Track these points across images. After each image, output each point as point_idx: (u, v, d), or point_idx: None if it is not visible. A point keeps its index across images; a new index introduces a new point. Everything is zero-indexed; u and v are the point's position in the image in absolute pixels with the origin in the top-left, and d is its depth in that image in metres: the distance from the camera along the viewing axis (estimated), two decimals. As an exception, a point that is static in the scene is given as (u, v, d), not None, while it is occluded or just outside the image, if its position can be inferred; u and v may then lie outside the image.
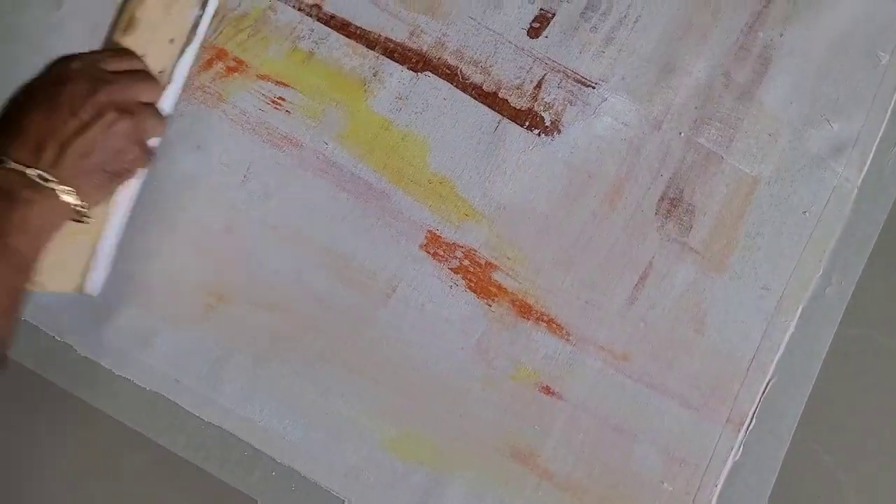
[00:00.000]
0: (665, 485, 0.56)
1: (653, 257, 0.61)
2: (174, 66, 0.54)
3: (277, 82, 0.63)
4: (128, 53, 0.51)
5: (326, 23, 0.65)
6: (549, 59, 0.65)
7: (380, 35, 0.65)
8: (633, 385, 0.58)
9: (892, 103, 0.64)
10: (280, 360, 0.57)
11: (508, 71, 0.65)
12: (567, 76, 0.65)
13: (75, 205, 0.47)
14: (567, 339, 0.58)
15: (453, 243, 0.60)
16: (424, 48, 0.65)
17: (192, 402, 0.56)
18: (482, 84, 0.64)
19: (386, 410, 0.57)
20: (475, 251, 0.60)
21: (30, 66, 0.63)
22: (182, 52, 0.54)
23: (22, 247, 0.44)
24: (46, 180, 0.45)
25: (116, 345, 0.57)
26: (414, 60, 0.65)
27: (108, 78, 0.48)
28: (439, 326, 0.58)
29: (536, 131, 0.63)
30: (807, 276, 0.60)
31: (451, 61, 0.65)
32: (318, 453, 0.56)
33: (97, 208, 0.52)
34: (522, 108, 0.64)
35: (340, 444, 0.56)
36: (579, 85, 0.64)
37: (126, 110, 0.48)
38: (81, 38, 0.63)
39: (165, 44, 0.53)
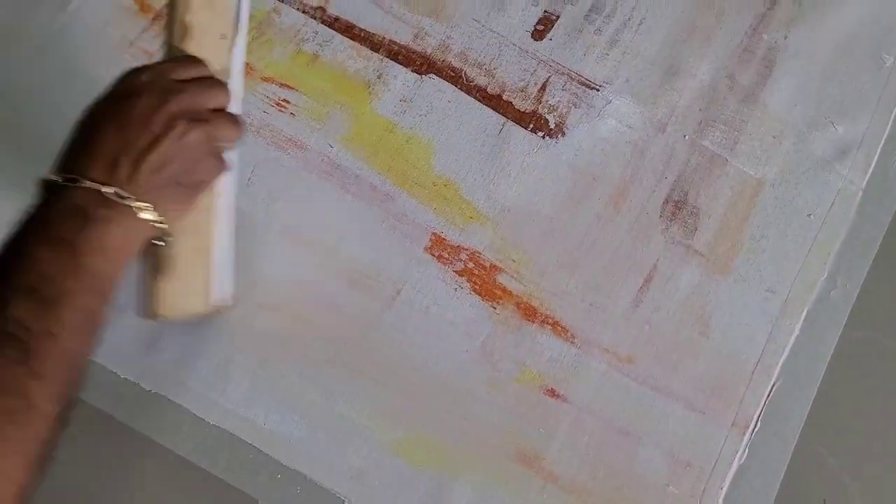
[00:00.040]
0: (670, 488, 0.56)
1: (657, 260, 0.60)
2: (231, 61, 0.53)
3: (282, 84, 0.63)
4: (194, 60, 0.50)
5: (331, 25, 0.65)
6: (553, 61, 0.65)
7: (384, 37, 0.65)
8: (638, 388, 0.58)
9: (897, 106, 0.64)
10: (285, 363, 0.57)
11: (513, 73, 0.65)
12: (571, 78, 0.65)
13: (153, 221, 0.45)
14: (572, 342, 0.58)
15: (458, 246, 0.60)
16: (429, 50, 0.65)
17: (197, 405, 0.56)
18: (486, 86, 0.64)
19: (390, 413, 0.57)
20: (480, 254, 0.60)
21: (36, 68, 0.63)
22: (234, 44, 0.53)
23: (100, 267, 0.42)
24: (123, 197, 0.43)
25: (121, 347, 0.57)
26: (418, 63, 0.65)
27: (176, 87, 0.47)
28: (444, 329, 0.58)
29: (541, 134, 0.63)
30: (811, 279, 0.60)
31: (456, 64, 0.65)
32: (322, 455, 0.56)
33: (200, 223, 0.51)
34: (527, 111, 0.64)
35: (345, 447, 0.56)
36: (583, 87, 0.64)
37: (198, 119, 0.47)
38: (88, 38, 0.64)
39: (218, 41, 0.52)
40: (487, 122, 0.63)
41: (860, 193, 0.62)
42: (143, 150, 0.45)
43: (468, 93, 0.64)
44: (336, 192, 0.61)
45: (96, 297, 0.43)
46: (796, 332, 0.59)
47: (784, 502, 0.56)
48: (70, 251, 0.42)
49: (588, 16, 0.66)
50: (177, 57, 0.50)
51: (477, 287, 0.59)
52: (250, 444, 0.56)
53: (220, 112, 0.49)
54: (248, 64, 0.62)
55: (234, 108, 0.53)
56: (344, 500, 0.55)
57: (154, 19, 0.65)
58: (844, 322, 0.59)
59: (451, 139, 0.63)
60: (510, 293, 0.59)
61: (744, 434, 0.57)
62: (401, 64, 0.65)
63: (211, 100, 0.49)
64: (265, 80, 0.63)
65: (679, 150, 0.63)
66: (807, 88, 0.64)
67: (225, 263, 0.54)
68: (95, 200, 0.43)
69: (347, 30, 0.65)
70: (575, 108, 0.64)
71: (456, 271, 0.60)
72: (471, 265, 0.60)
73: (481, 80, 0.64)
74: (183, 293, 0.52)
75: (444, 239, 0.60)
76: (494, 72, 0.65)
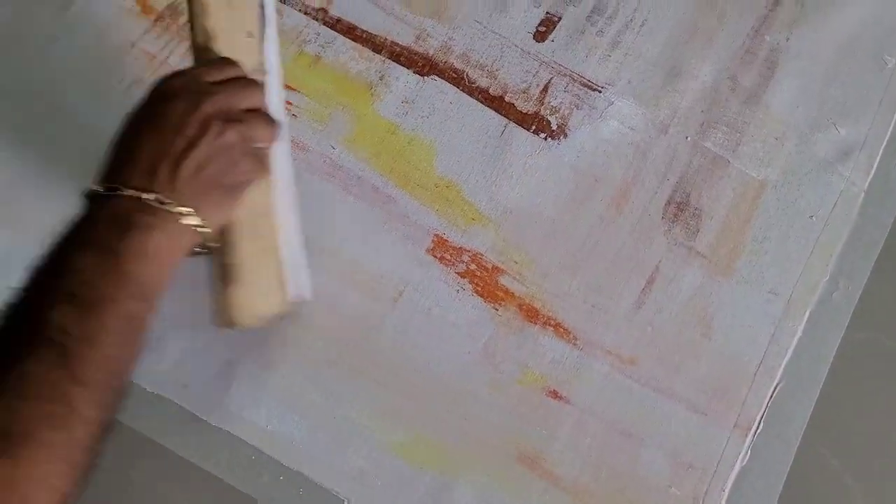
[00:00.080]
0: (672, 489, 0.56)
1: (660, 261, 0.60)
2: (264, 57, 0.52)
3: (284, 86, 0.63)
4: (226, 62, 0.50)
5: (332, 27, 0.65)
6: (555, 62, 0.65)
7: (386, 39, 0.65)
8: (641, 389, 0.58)
9: (900, 107, 0.64)
10: (287, 365, 0.57)
11: (515, 75, 0.65)
12: (573, 80, 0.65)
13: (196, 225, 0.45)
14: (574, 344, 0.58)
15: (460, 247, 0.60)
16: (431, 52, 0.65)
17: (200, 407, 0.56)
18: (488, 88, 0.64)
19: (392, 414, 0.56)
20: (482, 255, 0.60)
21: (38, 69, 0.63)
22: (263, 41, 0.52)
23: (143, 274, 0.42)
24: (164, 203, 0.43)
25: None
26: (420, 64, 0.65)
27: (209, 90, 0.47)
28: (446, 331, 0.58)
29: (543, 135, 0.63)
30: (814, 281, 0.60)
31: (458, 65, 0.65)
32: (325, 457, 0.56)
33: (260, 225, 0.51)
34: (529, 112, 0.64)
35: (347, 448, 0.56)
36: (586, 89, 0.64)
37: (232, 119, 0.46)
38: (90, 40, 0.64)
39: (245, 40, 0.51)
40: (489, 124, 0.63)
41: (862, 195, 0.62)
42: (180, 155, 0.45)
43: (470, 94, 0.64)
44: (338, 193, 0.61)
45: (139, 304, 0.42)
46: (798, 333, 0.59)
47: (786, 504, 0.56)
48: (112, 257, 0.42)
49: (590, 17, 0.66)
50: (210, 59, 0.50)
51: (479, 289, 0.59)
52: (253, 446, 0.56)
53: (255, 112, 0.49)
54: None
55: (274, 99, 0.53)
56: (344, 501, 0.55)
57: (156, 21, 0.65)
58: (847, 323, 0.59)
59: (453, 141, 0.63)
60: (512, 295, 0.59)
61: (746, 435, 0.57)
62: (403, 65, 0.65)
63: (244, 100, 0.48)
64: (267, 81, 0.63)
65: (681, 152, 0.63)
66: (809, 90, 0.64)
67: (296, 259, 0.54)
68: (137, 208, 0.43)
69: (349, 31, 0.65)
70: (577, 109, 0.64)
71: (458, 273, 0.60)
72: (473, 267, 0.60)
73: (483, 82, 0.64)
74: (256, 298, 0.51)
75: (446, 240, 0.60)
76: (496, 73, 0.65)
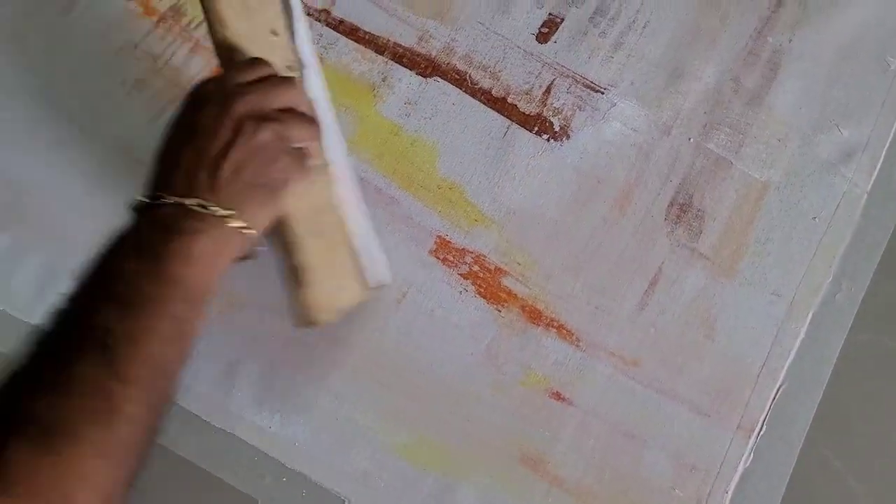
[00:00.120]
0: (676, 491, 0.56)
1: (662, 263, 0.60)
2: (294, 53, 0.51)
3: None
4: (256, 62, 0.49)
5: (335, 28, 0.65)
6: (558, 64, 0.65)
7: (388, 40, 0.65)
8: (644, 391, 0.58)
9: (902, 108, 0.64)
10: (291, 366, 0.57)
11: (517, 76, 0.65)
12: (576, 81, 0.65)
13: (241, 227, 0.45)
14: (577, 345, 0.58)
15: (463, 249, 0.60)
16: (433, 53, 0.65)
17: (202, 408, 0.56)
18: (491, 89, 0.64)
19: (396, 416, 0.56)
20: (485, 257, 0.60)
21: (41, 70, 0.63)
22: (291, 36, 0.51)
23: (188, 277, 0.42)
24: (206, 207, 0.44)
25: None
26: (423, 65, 0.65)
27: (239, 90, 0.46)
28: (449, 332, 0.58)
29: (546, 136, 0.63)
30: (817, 282, 0.60)
31: (460, 66, 0.65)
32: (328, 458, 0.56)
33: (324, 222, 0.51)
34: (531, 114, 0.64)
35: (350, 449, 0.56)
36: (588, 90, 0.64)
37: (266, 119, 0.46)
38: (93, 41, 0.64)
39: (271, 38, 0.50)
40: (492, 125, 0.63)
41: (865, 196, 0.62)
42: (217, 158, 0.45)
43: (473, 95, 0.64)
44: (341, 194, 0.61)
45: (185, 307, 0.42)
46: (801, 335, 0.59)
47: (789, 505, 0.56)
48: (156, 261, 0.42)
49: (593, 18, 0.66)
50: (240, 61, 0.49)
51: (482, 290, 0.59)
52: (256, 448, 0.56)
53: (290, 111, 0.48)
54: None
55: (319, 94, 0.52)
56: (345, 502, 0.55)
57: (158, 22, 0.65)
58: (850, 325, 0.59)
59: (455, 142, 0.63)
60: (515, 296, 0.59)
61: (749, 437, 0.57)
62: (405, 66, 0.65)
63: (277, 98, 0.48)
64: (270, 82, 0.63)
65: (684, 153, 0.63)
66: (812, 91, 0.64)
67: (369, 245, 0.54)
68: (181, 213, 0.43)
69: (352, 32, 0.65)
70: (580, 110, 0.64)
71: (461, 274, 0.60)
72: (476, 268, 0.60)
73: (486, 83, 0.64)
74: (332, 295, 0.51)
75: (449, 242, 0.60)
76: (499, 74, 0.65)
